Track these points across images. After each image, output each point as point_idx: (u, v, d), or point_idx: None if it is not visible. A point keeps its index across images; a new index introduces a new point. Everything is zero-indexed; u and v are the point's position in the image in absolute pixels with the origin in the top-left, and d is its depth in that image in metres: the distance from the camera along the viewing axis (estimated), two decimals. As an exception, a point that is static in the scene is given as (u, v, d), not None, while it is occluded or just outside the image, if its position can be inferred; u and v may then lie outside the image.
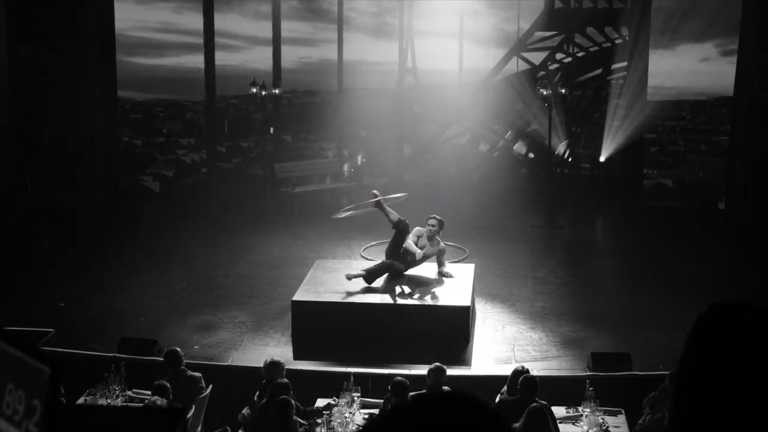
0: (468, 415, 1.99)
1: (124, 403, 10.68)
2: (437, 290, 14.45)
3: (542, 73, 28.71)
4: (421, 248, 14.56)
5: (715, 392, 2.40)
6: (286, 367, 11.38)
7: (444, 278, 15.07)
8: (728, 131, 25.81)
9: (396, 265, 14.57)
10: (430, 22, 30.16)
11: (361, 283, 14.66)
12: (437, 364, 10.99)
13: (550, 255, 19.85)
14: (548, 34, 29.39)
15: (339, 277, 14.96)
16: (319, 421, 10.34)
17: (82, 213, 22.14)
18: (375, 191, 15.21)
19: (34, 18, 22.45)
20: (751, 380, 2.38)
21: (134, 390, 11.16)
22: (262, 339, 14.32)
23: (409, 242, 14.54)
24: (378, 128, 29.83)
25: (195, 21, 28.58)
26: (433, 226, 14.73)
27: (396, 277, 14.61)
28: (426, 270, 15.29)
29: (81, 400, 10.81)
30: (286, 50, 29.21)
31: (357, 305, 14.07)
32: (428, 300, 14.12)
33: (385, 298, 14.17)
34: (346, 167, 28.76)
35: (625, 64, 26.63)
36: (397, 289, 14.43)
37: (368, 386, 11.62)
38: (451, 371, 11.42)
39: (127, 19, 28.60)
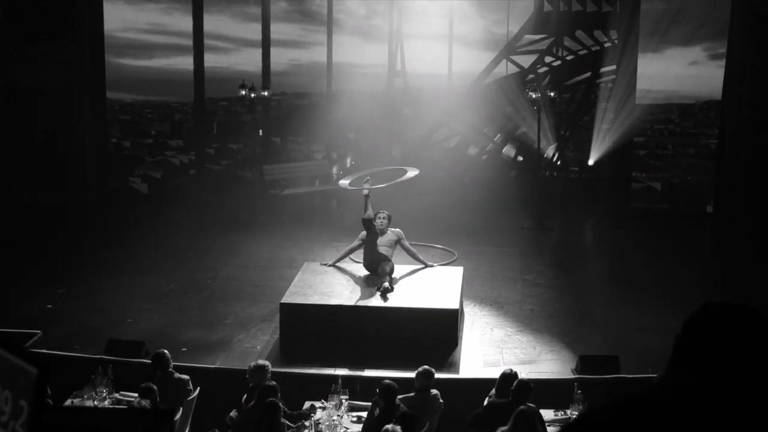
0: None
1: (111, 405, 10.65)
2: (426, 293, 14.43)
3: (531, 76, 28.74)
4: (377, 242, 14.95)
5: (705, 391, 2.39)
6: (274, 369, 11.36)
7: (428, 267, 15.60)
8: (716, 134, 25.86)
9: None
10: (420, 24, 30.18)
11: (349, 286, 14.66)
12: (425, 367, 10.98)
13: (539, 257, 19.85)
14: (537, 37, 29.44)
15: (327, 280, 14.94)
16: (306, 423, 10.33)
17: (70, 213, 22.11)
18: (368, 178, 15.33)
19: (25, 17, 22.43)
20: (742, 379, 2.38)
21: (121, 392, 11.13)
22: (250, 341, 14.29)
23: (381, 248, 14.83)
24: (367, 131, 29.84)
25: (184, 22, 28.59)
26: (383, 219, 15.04)
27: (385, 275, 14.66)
28: (414, 273, 15.31)
29: (68, 402, 10.77)
30: (275, 52, 29.23)
31: (345, 308, 14.03)
32: (417, 303, 14.09)
33: (374, 301, 14.14)
34: (335, 170, 28.75)
35: (614, 67, 26.67)
36: (393, 291, 14.40)
37: (356, 389, 11.61)
38: (439, 374, 11.42)
39: (116, 20, 28.58)
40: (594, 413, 2.09)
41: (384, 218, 15.09)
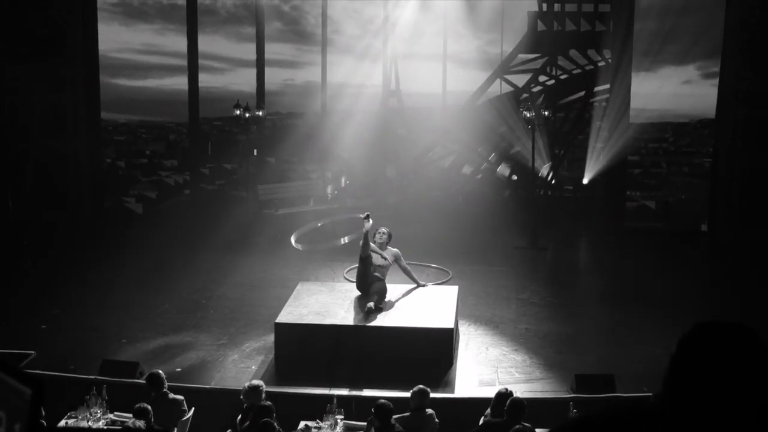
0: None
1: (106, 426, 10.61)
2: (421, 312, 14.42)
3: (525, 95, 28.82)
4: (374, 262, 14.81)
5: (700, 411, 2.39)
6: (269, 389, 11.33)
7: (422, 286, 15.59)
8: (711, 153, 25.92)
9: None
10: (414, 44, 30.24)
11: (344, 306, 14.64)
12: (421, 386, 10.96)
13: (534, 276, 19.85)
14: (531, 56, 29.53)
15: (322, 299, 14.92)
16: (302, 444, 10.30)
17: (65, 232, 22.09)
18: (367, 213, 15.25)
19: (20, 37, 22.46)
20: (737, 398, 2.37)
21: (116, 413, 11.08)
22: (245, 361, 14.27)
23: (375, 257, 14.79)
24: (361, 150, 29.85)
25: (179, 43, 28.63)
26: (383, 234, 14.93)
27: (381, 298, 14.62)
28: (409, 293, 15.29)
29: (62, 423, 10.74)
30: (270, 72, 29.32)
31: (340, 327, 14.01)
32: (412, 322, 14.08)
33: (369, 320, 14.12)
34: (329, 189, 28.75)
35: (607, 86, 26.73)
36: (381, 311, 14.38)
37: (351, 409, 11.58)
38: (434, 393, 11.40)
39: (110, 40, 28.60)
40: (591, 420, 2.08)
41: (384, 234, 15.04)
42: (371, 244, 14.79)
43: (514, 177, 29.81)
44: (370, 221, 14.78)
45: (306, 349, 13.87)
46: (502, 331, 15.91)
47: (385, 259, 14.87)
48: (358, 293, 14.94)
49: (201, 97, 27.53)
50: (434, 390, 11.58)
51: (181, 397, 11.37)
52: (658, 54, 26.68)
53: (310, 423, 10.78)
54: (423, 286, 15.66)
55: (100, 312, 16.66)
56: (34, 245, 21.01)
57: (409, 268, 15.53)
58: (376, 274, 14.71)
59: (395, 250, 15.18)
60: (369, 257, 14.67)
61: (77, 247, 21.88)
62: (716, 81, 23.63)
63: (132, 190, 31.19)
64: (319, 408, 10.98)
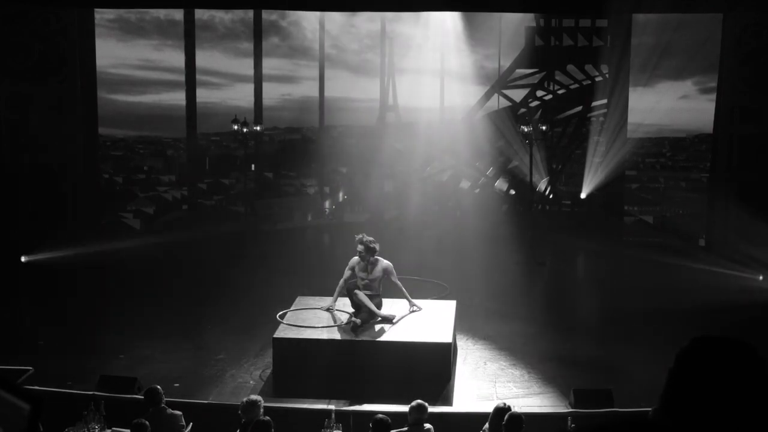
0: None
1: (104, 442, 10.59)
2: (418, 327, 14.39)
3: (523, 110, 28.85)
4: (362, 276, 14.45)
5: (698, 425, 2.39)
6: (267, 404, 11.31)
7: (415, 309, 14.99)
8: (708, 168, 25.95)
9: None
10: (411, 59, 30.26)
11: (341, 320, 14.61)
12: (419, 400, 10.94)
13: (532, 291, 19.84)
14: (529, 71, 29.58)
15: (320, 314, 14.90)
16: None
17: (63, 248, 22.08)
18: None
19: (18, 52, 22.49)
20: (734, 412, 2.38)
21: (114, 428, 11.06)
22: (243, 376, 14.25)
23: (360, 296, 14.42)
24: (359, 165, 29.86)
25: (176, 58, 28.65)
26: (360, 249, 14.33)
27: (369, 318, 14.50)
28: (407, 307, 15.27)
29: (60, 439, 10.72)
30: (267, 87, 29.30)
31: (338, 342, 14.00)
32: (410, 337, 14.06)
33: (367, 335, 14.11)
34: (327, 204, 28.75)
35: (605, 101, 26.78)
36: (378, 326, 14.37)
37: (349, 423, 11.57)
38: (432, 408, 11.37)
39: (108, 56, 28.61)
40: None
41: (361, 248, 14.57)
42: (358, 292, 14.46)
43: (512, 192, 29.82)
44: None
45: (304, 364, 13.85)
46: (500, 345, 15.90)
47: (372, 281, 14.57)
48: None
49: (199, 112, 27.57)
50: (432, 404, 11.56)
51: (179, 413, 11.35)
52: (656, 69, 26.71)
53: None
54: (417, 310, 15.14)
55: (98, 327, 16.65)
56: (31, 261, 20.99)
57: (400, 284, 14.96)
58: (367, 292, 14.48)
59: (386, 263, 14.65)
60: (355, 290, 14.40)
61: (74, 262, 21.86)
62: (713, 96, 23.68)
63: (130, 205, 31.22)
64: (317, 423, 10.97)
